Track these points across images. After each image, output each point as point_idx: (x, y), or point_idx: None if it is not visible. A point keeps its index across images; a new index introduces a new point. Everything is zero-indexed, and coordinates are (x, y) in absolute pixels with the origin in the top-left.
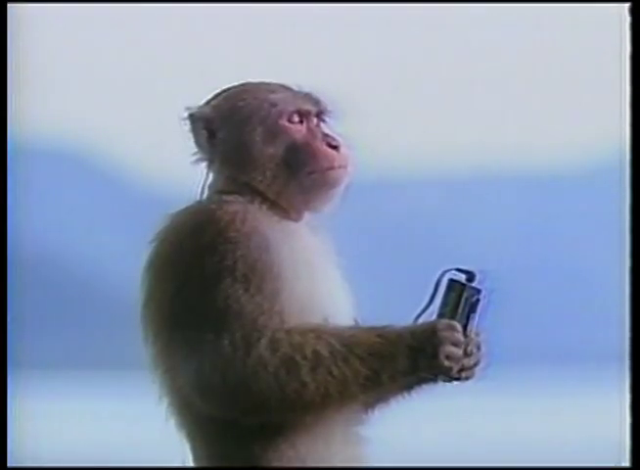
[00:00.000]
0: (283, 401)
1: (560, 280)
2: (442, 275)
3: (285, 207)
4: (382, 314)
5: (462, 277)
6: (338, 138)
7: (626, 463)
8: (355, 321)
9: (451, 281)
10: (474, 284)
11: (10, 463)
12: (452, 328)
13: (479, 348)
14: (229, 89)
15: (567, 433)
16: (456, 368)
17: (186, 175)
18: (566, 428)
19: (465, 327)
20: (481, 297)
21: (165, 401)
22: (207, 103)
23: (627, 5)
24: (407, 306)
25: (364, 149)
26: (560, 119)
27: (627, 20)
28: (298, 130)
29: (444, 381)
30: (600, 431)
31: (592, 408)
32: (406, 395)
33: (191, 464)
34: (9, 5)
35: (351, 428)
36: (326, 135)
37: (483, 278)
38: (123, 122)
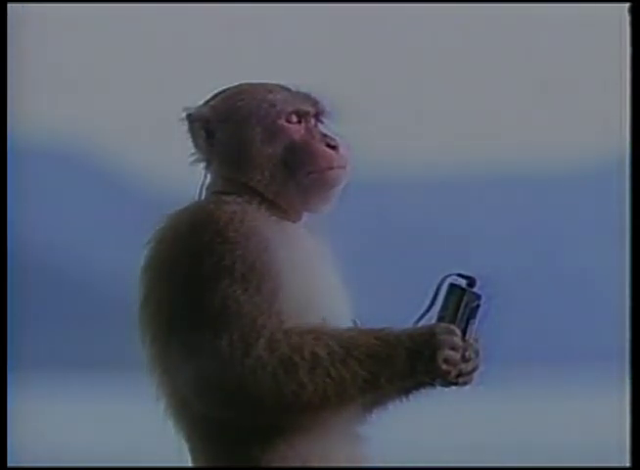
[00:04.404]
0: (281, 402)
1: (560, 280)
2: (443, 280)
3: (283, 207)
4: (380, 315)
5: (463, 282)
6: (336, 138)
7: (626, 463)
8: (354, 322)
9: (452, 286)
10: (474, 290)
11: (10, 463)
12: (451, 332)
13: (477, 353)
14: (227, 89)
15: (567, 433)
16: (454, 373)
17: (185, 176)
18: (566, 428)
19: (464, 332)
20: (481, 303)
21: (164, 402)
22: (206, 103)
23: (627, 5)
24: (405, 307)
25: (363, 149)
26: (560, 119)
27: (627, 20)
28: (297, 130)
29: (442, 385)
30: (600, 431)
31: (592, 409)
32: (404, 399)
33: (190, 465)
34: (9, 5)
35: (351, 429)
36: (324, 135)
37: (484, 284)
38: (122, 123)
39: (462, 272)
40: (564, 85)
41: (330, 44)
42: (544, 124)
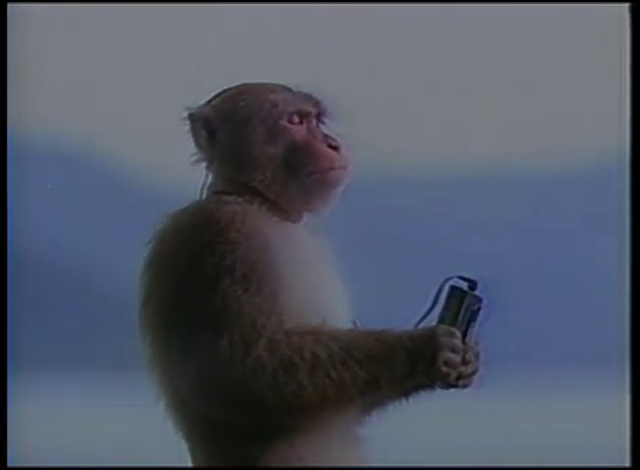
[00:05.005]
0: (280, 403)
1: (559, 280)
2: (445, 282)
3: (285, 207)
4: (380, 316)
5: (464, 285)
6: (338, 139)
7: (626, 463)
8: (354, 323)
9: (453, 288)
10: (475, 292)
11: (10, 463)
12: (451, 334)
13: (477, 356)
14: (229, 89)
15: (566, 433)
16: (454, 375)
17: (186, 176)
18: (565, 428)
19: (464, 335)
20: (482, 305)
21: (164, 402)
22: (207, 103)
23: (627, 5)
24: (406, 308)
25: (363, 149)
26: (559, 120)
27: (627, 20)
28: (299, 131)
29: (442, 388)
30: (600, 431)
31: (592, 408)
32: (403, 400)
33: (189, 464)
34: (9, 5)
35: (351, 429)
36: (326, 136)
37: (485, 287)
38: (123, 123)
39: (463, 275)
40: (563, 85)
41: (331, 44)
42: (544, 124)
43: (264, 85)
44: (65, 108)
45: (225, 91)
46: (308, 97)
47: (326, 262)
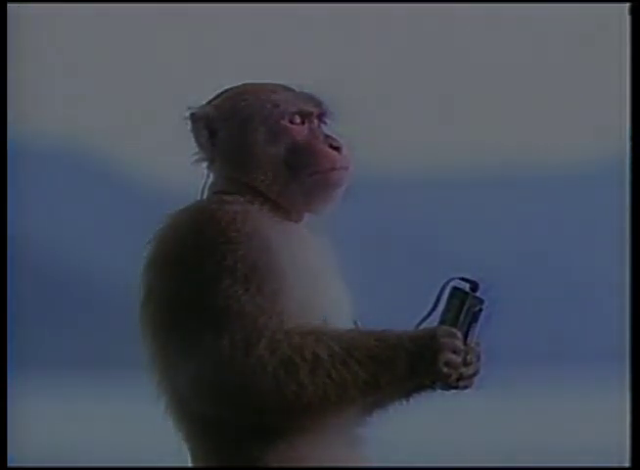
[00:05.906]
0: (281, 403)
1: (560, 280)
2: (447, 283)
3: (286, 207)
4: (381, 317)
5: (466, 286)
6: (339, 139)
7: (626, 463)
8: (355, 323)
9: (455, 289)
10: (477, 294)
11: (10, 463)
12: (452, 335)
13: (478, 358)
14: (230, 89)
15: (567, 433)
16: (454, 376)
17: (187, 175)
18: (566, 428)
19: (465, 336)
20: (484, 307)
21: (164, 402)
22: (209, 103)
23: (627, 5)
24: (407, 309)
25: (364, 150)
26: (559, 119)
27: (627, 20)
28: (300, 131)
29: (442, 388)
30: (600, 431)
31: (592, 408)
32: (404, 401)
33: (189, 464)
34: (9, 5)
35: (351, 429)
36: (327, 136)
37: (487, 288)
38: (124, 122)
39: (465, 276)
40: (563, 85)
41: (331, 44)
42: (544, 125)
43: (266, 85)
44: (65, 107)
45: (226, 91)
46: (310, 97)
47: (327, 263)
